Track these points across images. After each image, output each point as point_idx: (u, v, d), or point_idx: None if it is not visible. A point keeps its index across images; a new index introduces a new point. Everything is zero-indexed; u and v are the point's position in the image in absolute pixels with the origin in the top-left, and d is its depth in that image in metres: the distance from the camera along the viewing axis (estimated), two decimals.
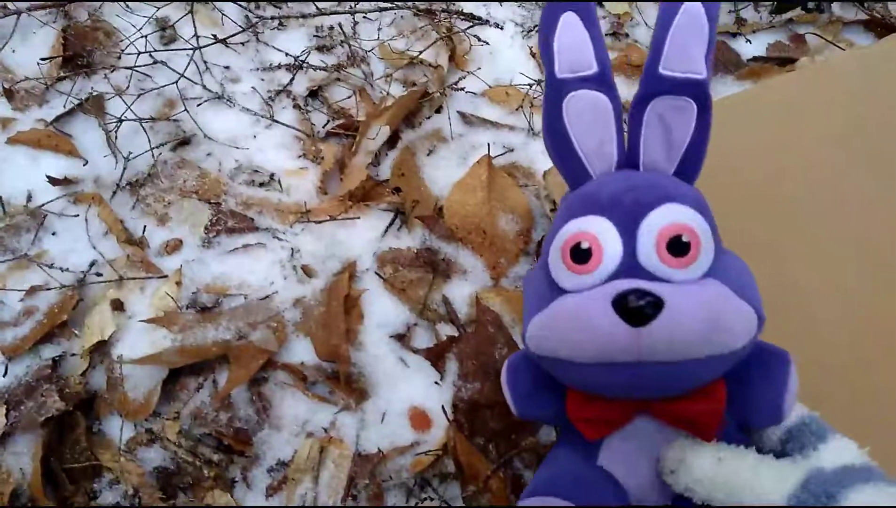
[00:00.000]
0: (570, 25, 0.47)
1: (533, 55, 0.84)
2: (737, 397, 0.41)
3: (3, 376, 0.59)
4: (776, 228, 0.61)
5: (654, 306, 0.36)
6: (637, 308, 0.36)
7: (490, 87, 0.81)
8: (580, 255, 0.40)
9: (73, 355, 0.61)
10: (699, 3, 0.45)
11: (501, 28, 0.86)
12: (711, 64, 0.45)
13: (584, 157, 0.46)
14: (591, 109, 0.46)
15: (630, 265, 0.39)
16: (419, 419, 0.59)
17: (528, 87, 0.80)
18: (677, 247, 0.39)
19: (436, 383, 0.60)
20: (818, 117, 0.67)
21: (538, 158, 0.74)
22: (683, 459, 0.42)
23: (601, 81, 0.46)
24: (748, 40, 0.86)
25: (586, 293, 0.39)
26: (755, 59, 0.84)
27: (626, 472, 0.44)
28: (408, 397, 0.60)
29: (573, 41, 0.47)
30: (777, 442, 0.43)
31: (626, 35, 0.87)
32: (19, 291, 0.63)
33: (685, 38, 0.44)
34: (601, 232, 0.40)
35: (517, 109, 0.78)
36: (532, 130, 0.77)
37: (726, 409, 0.41)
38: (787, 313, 0.54)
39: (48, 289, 0.64)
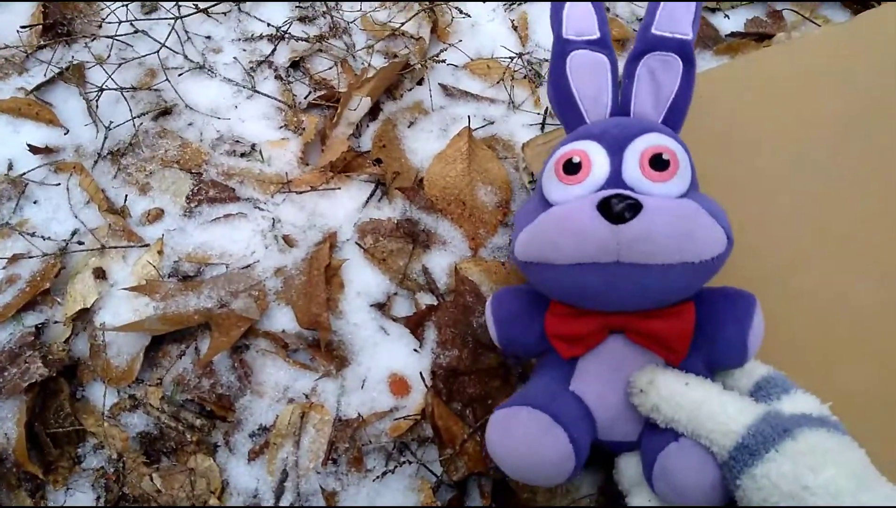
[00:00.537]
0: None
1: (514, 28, 0.84)
2: (704, 332, 0.44)
3: None
4: (751, 202, 0.62)
5: (633, 208, 0.40)
6: (618, 210, 0.40)
7: (471, 59, 0.81)
8: (571, 167, 0.46)
9: (56, 322, 0.62)
10: None
11: (483, 1, 0.86)
12: (697, 28, 0.52)
13: (581, 105, 0.52)
14: (590, 66, 0.53)
15: (615, 181, 0.45)
16: (398, 386, 0.60)
17: (510, 60, 0.80)
18: (658, 162, 0.45)
19: (415, 350, 0.61)
20: (794, 92, 0.68)
21: (518, 130, 0.75)
22: (653, 380, 0.43)
23: (601, 44, 0.54)
24: (727, 16, 0.86)
25: (575, 202, 0.43)
26: (733, 34, 0.85)
27: (596, 398, 0.46)
28: (387, 364, 0.61)
29: (580, 11, 0.55)
30: (746, 393, 0.45)
31: (607, 10, 0.87)
32: (1, 259, 0.64)
33: (675, 4, 0.53)
34: (591, 152, 0.46)
35: (498, 83, 0.79)
36: (513, 103, 0.77)
37: (693, 346, 0.44)
38: (760, 285, 0.56)
39: (30, 257, 0.64)
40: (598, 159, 0.46)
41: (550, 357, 0.49)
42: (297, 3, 0.85)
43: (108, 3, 0.80)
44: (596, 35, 0.54)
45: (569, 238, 0.42)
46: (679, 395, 0.42)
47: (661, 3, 0.53)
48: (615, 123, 0.49)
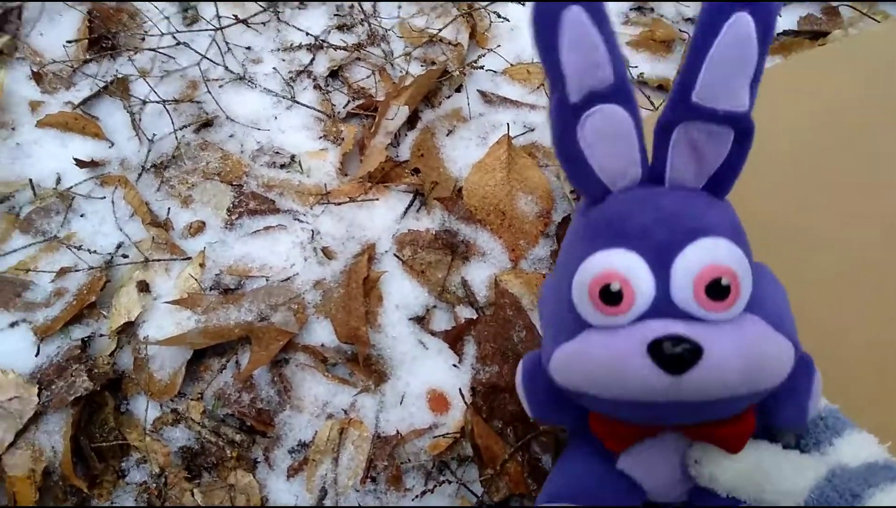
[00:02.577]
0: (577, 26, 0.37)
1: None
2: (763, 405, 0.40)
3: (36, 356, 0.61)
4: (807, 206, 0.60)
5: (692, 352, 0.34)
6: (674, 356, 0.34)
7: (511, 65, 0.80)
8: (610, 297, 0.37)
9: (102, 335, 0.63)
10: (749, 17, 0.36)
11: (523, 4, 0.84)
12: (756, 90, 0.38)
13: (603, 178, 0.41)
14: (609, 128, 0.39)
15: (663, 304, 0.36)
16: (437, 402, 0.59)
17: None
18: (716, 291, 0.36)
19: (454, 365, 0.60)
20: (851, 92, 0.65)
21: None
22: (706, 452, 0.41)
23: (619, 94, 0.39)
24: (778, 14, 0.83)
25: (618, 336, 0.36)
26: (785, 32, 0.81)
27: (645, 476, 0.44)
28: (426, 379, 0.60)
29: (583, 46, 0.37)
30: (793, 438, 0.42)
31: (651, 10, 0.85)
32: (49, 272, 0.65)
33: (727, 64, 0.37)
34: (632, 270, 0.37)
35: (538, 88, 0.77)
36: None
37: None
38: (814, 296, 0.53)
39: (77, 271, 0.65)
40: (640, 283, 0.36)
41: (591, 433, 0.44)
42: (335, 12, 0.84)
43: (150, 17, 0.81)
44: (610, 80, 0.38)
45: (618, 385, 0.36)
46: (737, 464, 0.40)
47: (708, 58, 0.36)
48: (654, 219, 0.38)
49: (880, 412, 0.46)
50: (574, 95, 0.38)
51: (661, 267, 0.37)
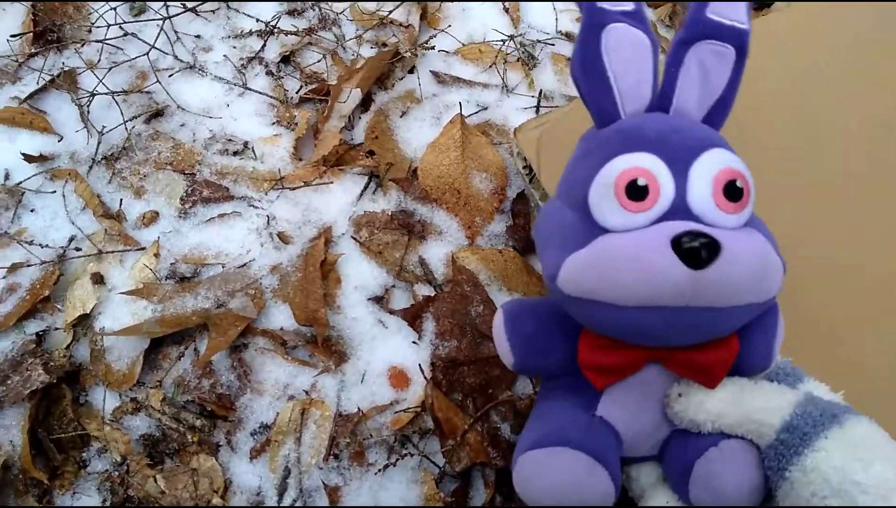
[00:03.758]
0: None
1: (506, 11, 0.83)
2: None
3: None
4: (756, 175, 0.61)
5: (713, 248, 0.35)
6: (695, 250, 0.35)
7: (463, 44, 0.80)
8: (637, 191, 0.38)
9: (57, 329, 0.62)
10: None
11: None
12: (751, 18, 0.44)
13: (618, 93, 0.44)
14: (630, 44, 0.44)
15: (681, 207, 0.38)
16: (398, 378, 0.60)
17: (501, 43, 0.79)
18: (732, 192, 0.39)
19: (413, 342, 0.61)
20: (793, 60, 0.66)
21: (512, 115, 0.74)
22: (684, 392, 0.42)
23: (639, 18, 0.44)
24: None
25: (641, 232, 0.38)
26: None
27: (623, 421, 0.44)
28: (387, 357, 0.61)
29: None
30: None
31: None
32: (1, 268, 0.64)
33: None
34: (656, 170, 0.39)
35: (490, 67, 0.78)
36: (506, 87, 0.77)
37: None
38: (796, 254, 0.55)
39: (29, 265, 0.64)
40: (664, 182, 0.39)
41: (570, 380, 0.45)
42: None
43: (96, 7, 0.80)
44: (631, 6, 0.44)
45: (641, 281, 0.36)
46: (717, 397, 0.41)
47: None
48: (671, 128, 0.41)
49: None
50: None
51: (680, 171, 0.39)
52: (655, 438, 0.44)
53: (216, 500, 0.55)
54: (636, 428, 0.44)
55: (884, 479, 0.34)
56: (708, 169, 0.39)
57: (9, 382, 0.58)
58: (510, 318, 0.46)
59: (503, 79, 0.77)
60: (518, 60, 0.79)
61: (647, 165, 0.39)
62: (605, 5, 0.44)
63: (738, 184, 0.39)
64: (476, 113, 0.74)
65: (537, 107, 0.75)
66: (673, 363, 0.42)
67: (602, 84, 0.44)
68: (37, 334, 0.61)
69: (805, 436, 0.37)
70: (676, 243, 0.35)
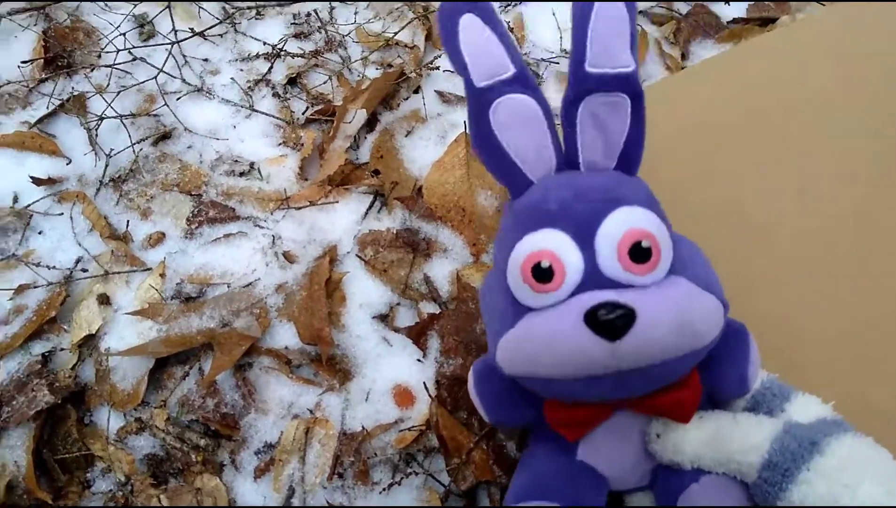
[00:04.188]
0: (472, 29, 0.44)
1: (511, 30, 0.84)
2: (704, 376, 0.42)
3: None
4: (760, 191, 0.61)
5: (626, 317, 0.35)
6: (609, 322, 0.35)
7: None
8: (542, 274, 0.39)
9: (63, 349, 0.62)
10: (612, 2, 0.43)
11: None
12: (637, 55, 0.44)
13: (521, 165, 0.45)
14: (519, 114, 0.44)
15: (593, 275, 0.39)
16: (403, 397, 0.59)
17: None
18: (638, 254, 0.38)
19: (418, 360, 0.61)
20: (799, 76, 0.66)
21: None
22: (667, 422, 0.42)
23: (522, 82, 0.44)
24: (727, 2, 0.85)
25: (555, 312, 0.38)
26: (735, 20, 0.83)
27: (606, 462, 0.44)
28: (391, 375, 0.60)
29: (481, 45, 0.44)
30: (741, 409, 0.43)
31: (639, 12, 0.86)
32: (8, 289, 0.65)
33: (606, 34, 0.42)
34: (559, 247, 0.39)
35: None
36: None
37: None
38: (757, 278, 0.55)
39: (36, 287, 0.65)
40: (569, 258, 0.39)
41: (549, 429, 0.45)
42: (292, 20, 0.85)
43: (106, 33, 0.82)
44: (511, 71, 0.44)
45: (562, 360, 0.37)
46: (695, 435, 0.41)
47: (589, 33, 0.42)
48: (573, 196, 0.41)
49: (832, 385, 0.47)
50: (479, 80, 0.44)
51: (585, 240, 0.39)
52: (641, 471, 0.44)
53: None
54: (619, 467, 0.44)
55: (873, 499, 0.33)
56: (611, 235, 0.39)
57: (14, 403, 0.58)
58: (478, 380, 0.48)
59: None
60: None
61: (550, 243, 0.40)
62: (485, 82, 0.43)
63: (644, 244, 0.39)
64: None
65: None
66: (639, 407, 0.42)
67: (503, 161, 0.45)
68: (42, 355, 0.61)
69: (787, 472, 0.36)
70: (591, 316, 0.36)
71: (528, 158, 0.44)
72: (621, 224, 0.39)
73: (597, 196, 0.41)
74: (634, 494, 0.46)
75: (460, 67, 0.44)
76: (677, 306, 0.37)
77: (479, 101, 0.44)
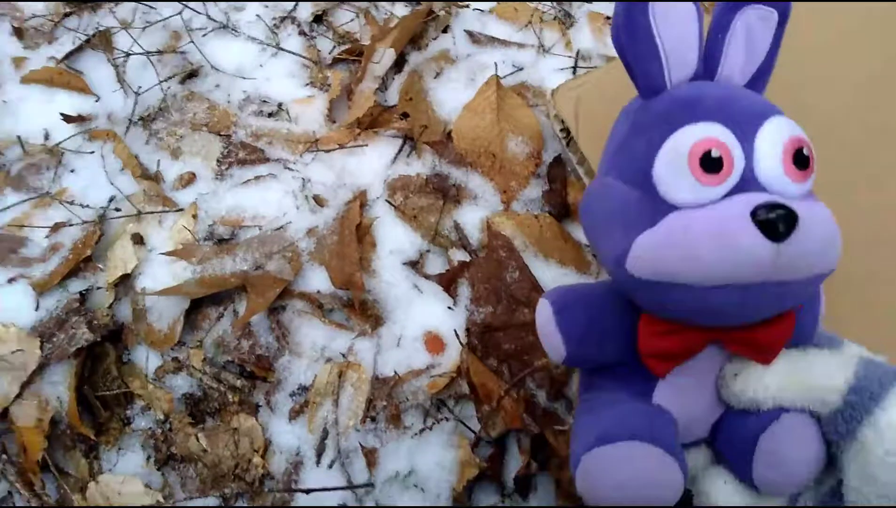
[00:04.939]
0: None
1: None
2: None
3: (35, 310, 0.62)
4: None
5: (790, 220, 0.34)
6: (774, 222, 0.34)
7: (498, 2, 0.78)
8: (712, 163, 0.37)
9: (99, 288, 0.63)
10: None
11: None
12: None
13: (665, 60, 0.42)
14: (677, 10, 0.42)
15: (749, 178, 0.37)
16: (433, 343, 0.60)
17: (538, 1, 0.77)
18: (801, 160, 0.37)
19: (449, 307, 0.61)
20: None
21: (549, 76, 0.73)
22: (740, 371, 0.41)
23: None
24: None
25: (720, 206, 0.36)
26: None
27: (680, 407, 0.42)
28: (422, 321, 0.61)
29: None
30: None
31: None
32: (44, 228, 0.65)
33: None
34: (727, 140, 0.37)
35: (526, 26, 0.76)
36: (542, 46, 0.75)
37: None
38: None
39: (71, 225, 0.66)
40: (736, 152, 0.37)
41: (619, 369, 0.43)
42: None
43: None
44: None
45: (725, 258, 0.34)
46: (774, 371, 0.40)
47: None
48: (728, 97, 0.40)
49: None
50: None
51: (747, 140, 0.37)
52: (709, 421, 0.43)
53: (256, 459, 0.56)
54: (692, 413, 0.42)
55: None
56: (775, 137, 0.37)
57: (55, 339, 0.60)
58: (560, 310, 0.43)
59: (539, 39, 0.76)
60: (554, 19, 0.77)
61: (718, 134, 0.37)
62: None
63: (805, 152, 0.37)
64: (511, 74, 0.73)
65: (574, 67, 0.73)
66: (732, 342, 0.40)
67: (650, 51, 0.42)
68: (80, 293, 0.62)
69: (873, 395, 0.36)
70: (760, 214, 0.34)
71: (674, 55, 0.42)
72: (784, 129, 0.38)
73: (752, 102, 0.40)
74: (690, 450, 0.45)
75: None
76: (827, 219, 0.36)
77: None
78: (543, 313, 0.44)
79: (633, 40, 0.42)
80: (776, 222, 0.33)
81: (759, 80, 0.44)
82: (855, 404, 0.37)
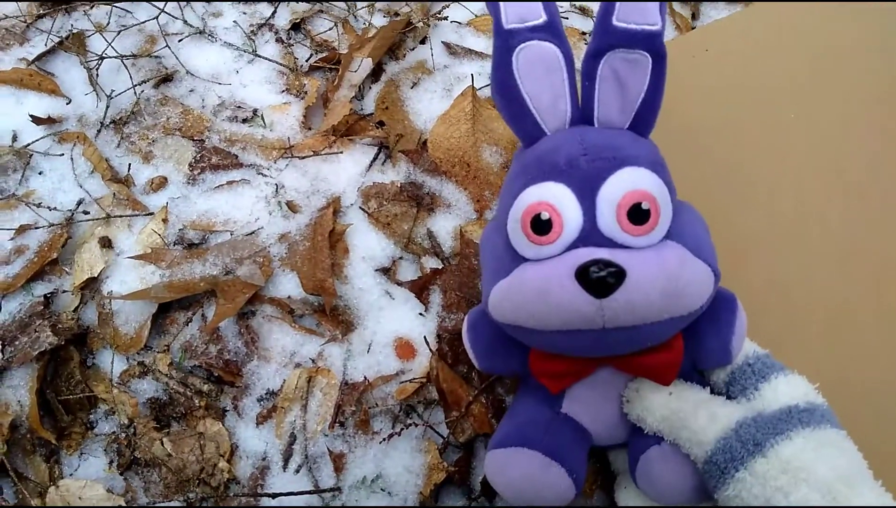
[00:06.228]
0: None
1: None
2: (688, 342, 0.43)
3: None
4: (767, 149, 0.61)
5: (616, 275, 0.36)
6: (599, 279, 0.36)
7: (475, 16, 0.79)
8: (540, 226, 0.40)
9: (65, 291, 0.62)
10: None
11: None
12: (665, 14, 0.44)
13: (536, 113, 0.45)
14: (542, 62, 0.44)
15: (590, 233, 0.39)
16: (404, 349, 0.60)
17: None
18: (637, 215, 0.39)
19: (420, 314, 0.61)
20: (811, 37, 0.66)
21: None
22: (639, 388, 0.43)
23: (551, 31, 0.44)
24: None
25: (548, 264, 0.39)
26: None
27: (588, 417, 0.46)
28: (393, 328, 0.61)
29: None
30: (722, 385, 0.44)
31: None
32: (9, 229, 0.64)
33: None
34: (560, 200, 0.40)
35: None
36: None
37: None
38: (754, 246, 0.55)
39: (37, 228, 0.64)
40: (569, 213, 0.40)
41: (533, 379, 0.46)
42: None
43: None
44: (542, 18, 0.44)
45: (549, 311, 0.38)
46: (662, 406, 0.42)
47: None
48: (581, 151, 0.41)
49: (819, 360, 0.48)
50: (508, 22, 0.44)
51: (587, 197, 0.40)
52: (625, 427, 0.46)
53: (222, 464, 0.55)
54: (602, 421, 0.46)
55: (805, 501, 0.34)
56: (613, 194, 0.39)
57: (17, 343, 0.58)
58: (471, 326, 0.50)
59: None
60: None
61: (552, 196, 0.40)
62: (514, 25, 0.44)
63: (644, 207, 0.39)
64: (487, 86, 0.73)
65: None
66: (622, 365, 0.43)
67: (519, 107, 0.45)
68: (45, 296, 0.61)
69: (725, 470, 0.38)
70: (582, 273, 0.37)
71: (544, 108, 0.45)
72: (624, 184, 0.40)
73: (604, 154, 0.41)
74: (619, 452, 0.48)
75: (493, 7, 0.45)
76: (668, 270, 0.38)
77: (505, 43, 0.44)
78: (463, 329, 0.50)
79: (504, 100, 0.45)
80: (601, 279, 0.36)
81: (642, 119, 0.44)
82: (708, 473, 0.39)
